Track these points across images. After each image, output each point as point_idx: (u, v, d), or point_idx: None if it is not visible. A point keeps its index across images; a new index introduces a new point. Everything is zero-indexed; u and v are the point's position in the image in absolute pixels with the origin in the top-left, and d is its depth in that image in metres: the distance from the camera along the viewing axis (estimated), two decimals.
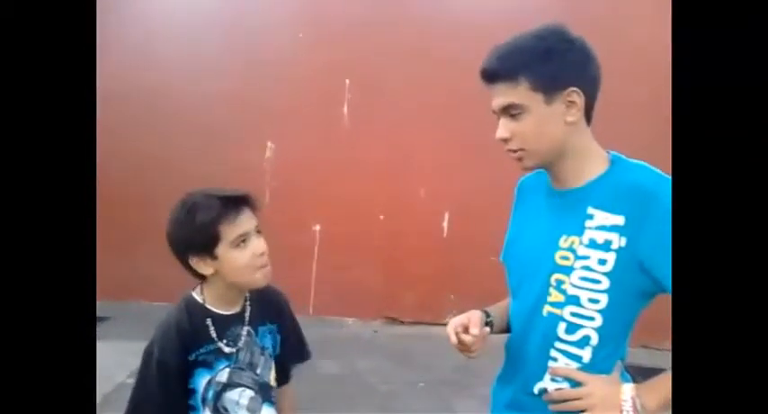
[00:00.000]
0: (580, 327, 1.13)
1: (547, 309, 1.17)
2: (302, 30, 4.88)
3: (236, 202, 1.30)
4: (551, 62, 1.10)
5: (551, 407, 1.17)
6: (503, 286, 1.33)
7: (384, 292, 4.89)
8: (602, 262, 1.10)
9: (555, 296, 1.15)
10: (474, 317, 1.22)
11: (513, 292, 1.29)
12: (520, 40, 1.14)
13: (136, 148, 4.86)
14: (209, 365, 1.33)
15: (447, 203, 4.83)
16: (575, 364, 1.15)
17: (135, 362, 1.36)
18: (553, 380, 1.17)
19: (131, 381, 1.34)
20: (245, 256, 1.29)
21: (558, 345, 1.16)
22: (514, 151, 1.16)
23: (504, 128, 1.15)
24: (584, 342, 1.14)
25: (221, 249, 1.28)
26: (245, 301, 1.41)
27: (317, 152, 4.84)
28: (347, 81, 4.85)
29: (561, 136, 1.14)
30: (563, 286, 1.14)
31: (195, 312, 1.34)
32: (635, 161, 1.17)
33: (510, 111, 1.13)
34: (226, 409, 1.35)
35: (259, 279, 1.32)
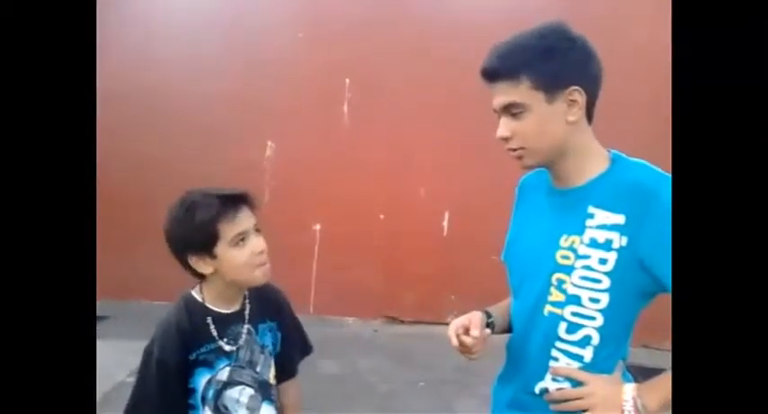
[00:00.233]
0: (581, 326, 1.13)
1: (548, 308, 1.17)
2: (302, 29, 4.88)
3: (234, 201, 1.30)
4: (552, 61, 1.10)
5: (552, 407, 1.17)
6: (503, 286, 1.33)
7: (384, 291, 4.89)
8: (603, 261, 1.10)
9: (556, 296, 1.15)
10: (475, 318, 1.22)
11: (515, 292, 1.29)
12: (521, 38, 1.13)
13: (136, 148, 4.86)
14: (209, 364, 1.33)
15: (447, 203, 4.83)
16: (576, 364, 1.15)
17: (135, 361, 1.36)
18: (554, 379, 1.17)
19: (131, 380, 1.34)
20: (244, 254, 1.29)
21: (559, 344, 1.16)
22: (515, 150, 1.16)
23: (504, 127, 1.15)
24: (585, 342, 1.14)
25: (220, 248, 1.28)
26: (245, 299, 1.41)
27: (318, 152, 4.85)
28: (347, 80, 4.85)
29: (562, 135, 1.13)
30: (564, 286, 1.14)
31: (195, 311, 1.34)
32: (635, 160, 1.16)
33: (511, 109, 1.13)
34: (226, 408, 1.35)
35: (258, 277, 1.33)
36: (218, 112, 4.86)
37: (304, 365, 1.56)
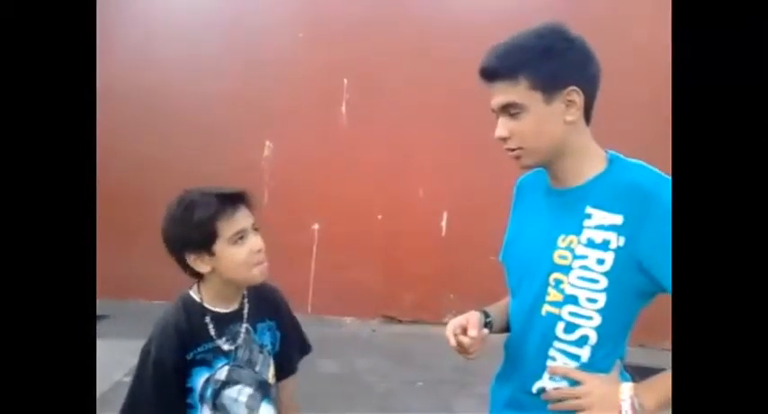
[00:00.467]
0: (578, 326, 1.14)
1: (545, 308, 1.17)
2: (301, 30, 4.88)
3: (233, 199, 1.30)
4: (551, 61, 1.10)
5: (550, 406, 1.17)
6: (502, 286, 1.33)
7: (383, 291, 4.89)
8: (601, 261, 1.10)
9: (553, 295, 1.16)
10: (472, 318, 1.22)
11: (513, 292, 1.29)
12: (519, 38, 1.14)
13: (135, 148, 4.86)
14: (207, 364, 1.33)
15: (446, 203, 4.83)
16: (573, 364, 1.15)
17: (133, 360, 1.36)
18: (552, 379, 1.18)
19: (129, 379, 1.33)
20: (242, 252, 1.29)
21: (556, 344, 1.16)
22: (513, 150, 1.16)
23: (503, 127, 1.15)
24: (582, 341, 1.14)
25: (219, 246, 1.28)
26: (243, 298, 1.41)
27: (316, 152, 4.85)
28: (345, 81, 4.85)
29: (560, 135, 1.14)
30: (561, 286, 1.14)
31: (193, 311, 1.34)
32: (633, 160, 1.17)
33: (509, 109, 1.13)
34: (224, 407, 1.35)
35: (256, 276, 1.33)
36: (217, 113, 4.86)
37: (302, 365, 1.56)
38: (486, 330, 1.23)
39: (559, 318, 1.15)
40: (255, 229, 1.33)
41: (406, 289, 4.88)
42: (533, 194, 1.29)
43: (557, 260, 1.15)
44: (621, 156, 1.19)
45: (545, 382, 1.18)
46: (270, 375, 1.44)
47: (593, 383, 1.13)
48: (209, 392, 1.33)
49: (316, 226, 4.93)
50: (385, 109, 4.80)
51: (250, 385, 1.38)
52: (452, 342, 1.20)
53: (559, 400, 1.16)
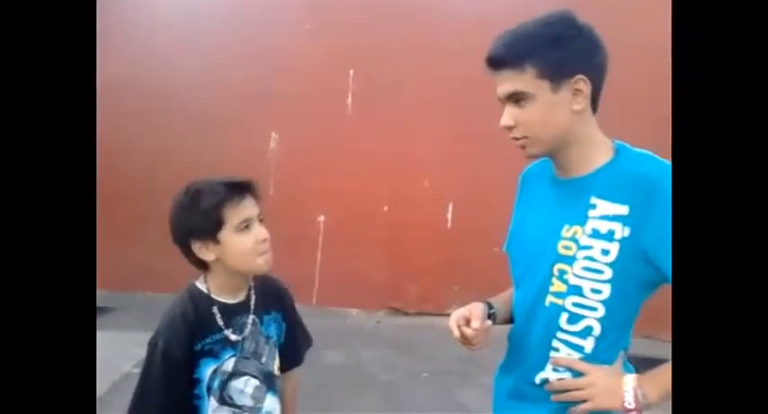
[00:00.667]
0: (582, 317, 1.13)
1: (549, 299, 1.17)
2: (307, 21, 4.86)
3: (240, 188, 1.32)
4: (558, 49, 1.09)
5: (553, 397, 1.17)
6: (506, 277, 1.33)
7: (388, 282, 4.90)
8: (606, 252, 1.10)
9: (557, 286, 1.15)
10: (476, 310, 1.22)
11: (517, 282, 1.29)
12: (526, 26, 1.12)
13: (141, 141, 4.87)
14: (215, 355, 1.34)
15: (451, 194, 4.83)
16: (577, 355, 1.15)
17: (140, 352, 1.37)
18: (555, 370, 1.18)
19: (137, 370, 1.34)
20: (248, 240, 1.30)
21: (560, 335, 1.16)
22: (518, 139, 1.16)
23: (508, 115, 1.14)
24: (586, 332, 1.14)
25: (225, 233, 1.29)
26: (249, 289, 1.41)
27: (322, 143, 4.85)
28: (351, 72, 4.84)
29: (567, 124, 1.13)
30: (565, 276, 1.14)
31: (200, 302, 1.35)
32: (639, 150, 1.16)
33: (515, 98, 1.12)
34: (231, 398, 1.36)
35: (261, 265, 1.33)
36: (222, 105, 4.86)
37: (308, 356, 1.57)
38: (489, 322, 1.22)
39: (563, 308, 1.15)
40: (261, 220, 1.34)
41: (411, 280, 4.89)
42: (538, 184, 1.28)
43: (561, 251, 1.15)
44: (628, 145, 1.18)
45: (548, 373, 1.18)
46: (275, 367, 1.45)
47: (597, 375, 1.13)
48: (216, 383, 1.34)
49: (321, 218, 4.94)
50: (390, 100, 4.79)
51: (256, 377, 1.39)
52: (456, 333, 1.20)
53: (562, 391, 1.16)
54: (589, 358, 1.15)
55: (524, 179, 1.35)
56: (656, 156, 1.13)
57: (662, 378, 1.08)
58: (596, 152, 1.16)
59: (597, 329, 1.13)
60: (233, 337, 1.35)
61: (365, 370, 3.76)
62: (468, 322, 1.19)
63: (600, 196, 1.13)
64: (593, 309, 1.12)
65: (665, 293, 1.14)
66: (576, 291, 1.13)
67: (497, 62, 1.13)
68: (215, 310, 1.35)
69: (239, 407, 1.37)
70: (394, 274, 4.90)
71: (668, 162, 1.09)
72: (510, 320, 1.32)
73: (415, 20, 4.74)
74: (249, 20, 4.91)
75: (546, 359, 1.18)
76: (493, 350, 1.30)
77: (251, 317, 1.39)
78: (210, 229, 1.29)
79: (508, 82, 1.12)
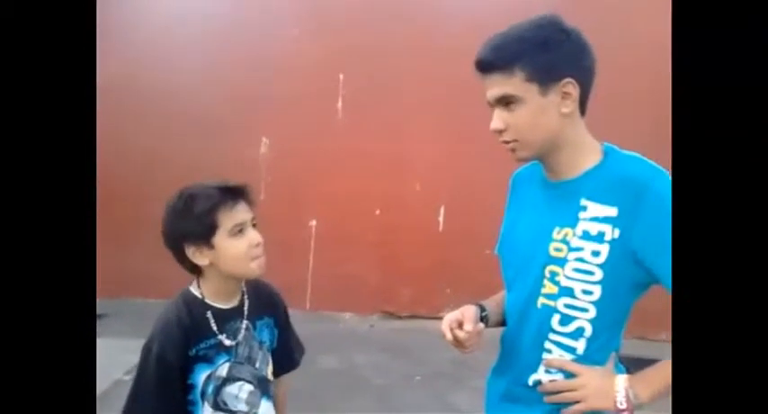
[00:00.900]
0: (574, 318, 1.14)
1: (541, 301, 1.18)
2: (297, 25, 4.87)
3: (233, 193, 1.32)
4: (547, 53, 1.10)
5: (546, 398, 1.18)
6: (498, 279, 1.34)
7: (380, 286, 4.90)
8: (596, 253, 1.11)
9: (549, 288, 1.16)
10: (468, 312, 1.22)
11: (509, 285, 1.30)
12: (515, 30, 1.13)
13: (132, 146, 4.85)
14: (209, 360, 1.33)
15: (442, 197, 4.84)
16: (569, 356, 1.16)
17: (132, 359, 1.36)
18: (547, 371, 1.18)
19: (128, 378, 1.34)
20: (242, 245, 1.30)
21: (552, 336, 1.17)
22: (508, 142, 1.16)
23: (498, 119, 1.15)
24: (577, 333, 1.15)
25: (218, 238, 1.29)
26: (243, 295, 1.41)
27: (313, 148, 4.85)
28: (341, 75, 4.84)
29: (556, 127, 1.14)
30: (557, 278, 1.15)
31: (195, 307, 1.35)
32: (628, 153, 1.17)
33: (505, 101, 1.13)
34: (225, 404, 1.35)
35: (254, 269, 1.33)
36: (213, 109, 4.86)
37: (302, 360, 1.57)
38: (481, 324, 1.23)
39: (555, 310, 1.16)
40: (254, 224, 1.34)
41: (403, 284, 4.89)
42: (529, 187, 1.29)
43: (552, 252, 1.16)
44: (616, 148, 1.19)
45: (541, 375, 1.19)
46: (269, 372, 1.45)
47: (589, 375, 1.14)
48: (210, 389, 1.33)
49: (313, 222, 4.93)
50: (381, 104, 4.80)
51: (250, 382, 1.39)
52: (448, 336, 1.20)
53: (555, 393, 1.16)
54: (581, 359, 1.15)
55: (515, 182, 1.36)
56: (645, 158, 1.14)
57: (653, 378, 1.09)
58: (585, 155, 1.17)
59: (589, 330, 1.14)
60: (227, 343, 1.35)
61: (358, 373, 3.76)
62: (460, 325, 1.19)
63: (590, 198, 1.13)
64: (585, 310, 1.13)
65: (655, 294, 1.15)
66: (568, 292, 1.14)
67: (486, 66, 1.14)
68: (209, 315, 1.35)
69: (234, 412, 1.36)
70: (386, 278, 4.90)
71: (656, 164, 1.11)
72: (502, 323, 1.33)
73: (406, 22, 4.76)
74: (241, 24, 4.91)
75: (538, 361, 1.19)
76: (485, 353, 1.30)
77: (244, 322, 1.39)
78: (204, 233, 1.28)
79: (497, 85, 1.13)
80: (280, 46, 4.86)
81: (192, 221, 1.28)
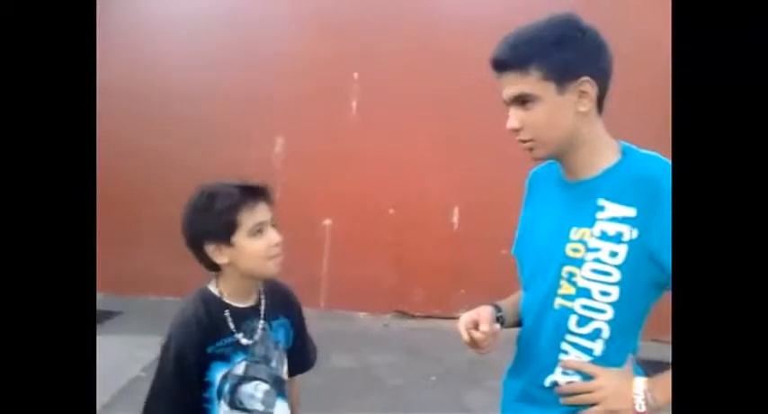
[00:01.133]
0: (591, 319, 1.13)
1: (558, 301, 1.17)
2: (310, 23, 4.87)
3: (254, 192, 1.33)
4: (563, 51, 1.09)
5: (562, 400, 1.17)
6: (514, 280, 1.33)
7: (394, 286, 4.90)
8: (614, 254, 1.10)
9: (566, 289, 1.15)
10: (484, 313, 1.22)
11: (525, 285, 1.29)
12: (531, 28, 1.12)
13: (146, 146, 4.88)
14: (226, 358, 1.34)
15: (457, 197, 4.82)
16: (586, 358, 1.15)
17: (148, 355, 1.38)
18: (564, 373, 1.17)
19: (146, 374, 1.35)
20: (261, 244, 1.31)
21: (569, 338, 1.16)
22: (525, 141, 1.16)
23: (514, 118, 1.14)
24: (595, 335, 1.14)
25: (238, 237, 1.30)
26: (260, 294, 1.42)
27: (326, 147, 4.85)
28: (356, 75, 4.84)
29: (572, 126, 1.13)
30: (574, 279, 1.14)
31: (213, 305, 1.36)
32: (646, 152, 1.16)
33: (521, 100, 1.12)
34: (242, 403, 1.36)
35: (271, 268, 1.35)
36: (226, 109, 4.87)
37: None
38: (497, 325, 1.22)
39: (572, 311, 1.15)
40: (273, 225, 1.35)
41: (417, 284, 4.88)
42: (546, 187, 1.28)
43: (569, 253, 1.15)
44: (634, 147, 1.18)
45: (557, 376, 1.18)
46: (284, 371, 1.45)
47: (607, 377, 1.13)
48: (227, 387, 1.34)
49: (327, 221, 4.94)
50: (396, 103, 4.79)
51: (266, 381, 1.39)
52: (465, 337, 1.20)
53: (572, 394, 1.15)
54: (598, 361, 1.14)
55: (532, 182, 1.35)
56: (663, 157, 1.12)
57: (671, 381, 1.08)
58: (603, 154, 1.16)
59: (606, 332, 1.13)
60: (244, 342, 1.36)
61: (373, 373, 3.76)
62: (476, 326, 1.19)
63: (607, 198, 1.12)
64: (602, 311, 1.12)
65: None
66: (585, 293, 1.13)
67: (502, 64, 1.13)
68: (227, 313, 1.36)
69: (250, 411, 1.37)
70: (401, 278, 4.89)
71: None
72: (518, 323, 1.32)
73: (421, 22, 4.75)
74: (251, 23, 4.92)
75: (555, 362, 1.18)
76: (501, 353, 1.30)
77: (261, 322, 1.39)
78: (224, 231, 1.29)
79: (513, 84, 1.12)
80: (294, 45, 4.87)
81: (212, 220, 1.29)
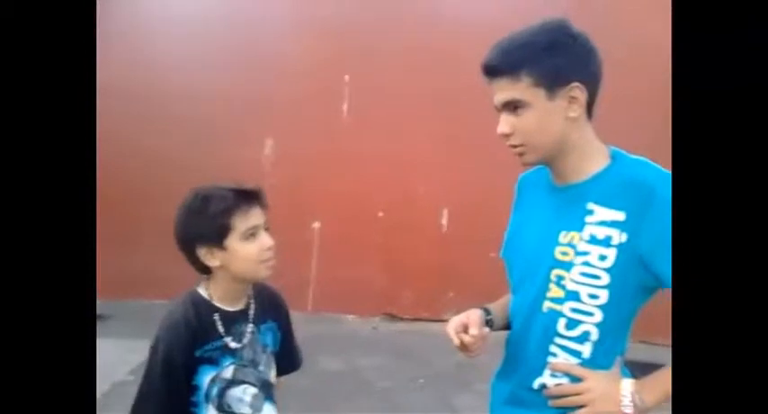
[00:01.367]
0: (580, 322, 1.14)
1: (547, 304, 1.17)
2: (302, 26, 4.87)
3: (248, 196, 1.33)
4: (554, 57, 1.10)
5: (551, 402, 1.17)
6: (502, 282, 1.33)
7: (383, 288, 4.90)
8: (603, 258, 1.11)
9: (555, 292, 1.16)
10: (473, 316, 1.22)
11: (514, 288, 1.30)
12: (522, 35, 1.13)
13: (136, 148, 4.86)
14: (214, 362, 1.34)
15: (446, 200, 4.84)
16: (574, 360, 1.16)
17: (135, 359, 1.37)
18: (553, 375, 1.18)
19: (132, 378, 1.34)
20: (254, 248, 1.31)
21: (557, 340, 1.16)
22: (515, 146, 1.16)
23: (505, 123, 1.15)
24: (583, 338, 1.14)
25: (231, 240, 1.30)
26: (249, 298, 1.41)
27: (316, 149, 4.85)
28: (347, 77, 4.84)
29: (562, 131, 1.13)
30: (563, 282, 1.15)
31: (202, 308, 1.35)
32: (635, 157, 1.17)
33: (512, 106, 1.13)
34: (230, 406, 1.35)
35: (263, 271, 1.34)
36: (217, 111, 4.86)
37: (303, 362, 1.57)
38: (486, 329, 1.23)
39: (561, 314, 1.15)
40: (266, 229, 1.35)
41: (406, 286, 4.89)
42: (535, 191, 1.29)
43: (558, 256, 1.15)
44: (623, 152, 1.19)
45: (546, 379, 1.18)
46: (272, 375, 1.45)
47: (595, 380, 1.13)
48: (215, 391, 1.33)
49: (316, 224, 4.93)
50: (386, 106, 4.80)
51: (254, 385, 1.39)
52: (455, 341, 1.20)
53: (561, 397, 1.16)
54: (587, 363, 1.15)
55: (521, 186, 1.36)
56: (652, 162, 1.13)
57: (659, 383, 1.09)
58: (592, 159, 1.17)
59: (595, 334, 1.13)
60: (232, 345, 1.35)
61: (362, 376, 3.75)
62: (466, 329, 1.19)
63: (597, 202, 1.13)
64: (591, 314, 1.13)
65: (662, 298, 1.14)
66: (574, 296, 1.13)
67: (493, 70, 1.14)
68: (216, 316, 1.35)
69: None
70: (389, 280, 4.89)
71: (664, 169, 1.10)
72: (507, 326, 1.32)
73: (412, 24, 4.76)
74: (244, 25, 4.91)
75: (544, 365, 1.18)
76: (490, 356, 1.30)
77: (250, 325, 1.39)
78: (217, 235, 1.29)
79: (504, 90, 1.13)
80: (285, 46, 4.87)
81: (205, 222, 1.29)
